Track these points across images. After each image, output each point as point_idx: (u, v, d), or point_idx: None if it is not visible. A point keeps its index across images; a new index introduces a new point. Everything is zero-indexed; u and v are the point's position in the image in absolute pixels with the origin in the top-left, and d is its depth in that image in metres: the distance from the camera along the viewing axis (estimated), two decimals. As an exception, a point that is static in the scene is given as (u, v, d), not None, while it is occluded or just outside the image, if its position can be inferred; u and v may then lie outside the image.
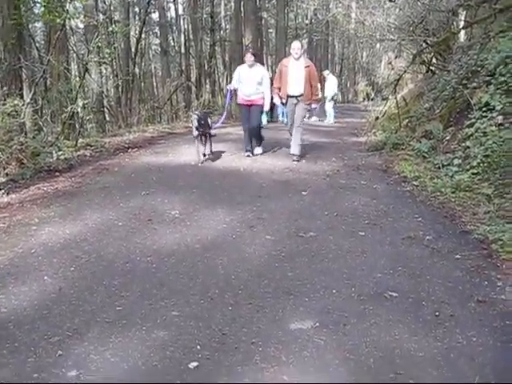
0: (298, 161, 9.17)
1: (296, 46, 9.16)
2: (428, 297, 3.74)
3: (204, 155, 8.99)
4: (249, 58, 9.46)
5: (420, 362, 2.92)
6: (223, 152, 10.05)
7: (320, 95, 11.22)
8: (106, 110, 19.41)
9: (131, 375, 2.81)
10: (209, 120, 9.29)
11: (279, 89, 9.30)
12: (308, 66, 9.10)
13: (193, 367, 2.86)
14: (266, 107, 9.74)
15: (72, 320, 3.41)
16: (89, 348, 3.07)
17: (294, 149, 9.23)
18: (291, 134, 9.41)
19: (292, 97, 9.14)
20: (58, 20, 9.85)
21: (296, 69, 9.02)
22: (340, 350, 3.04)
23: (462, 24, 12.44)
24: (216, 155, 9.55)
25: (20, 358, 2.97)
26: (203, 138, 8.98)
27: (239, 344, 3.10)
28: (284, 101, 9.29)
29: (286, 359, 2.95)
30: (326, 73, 19.87)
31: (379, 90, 30.60)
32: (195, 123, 8.52)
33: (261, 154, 9.89)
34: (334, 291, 3.84)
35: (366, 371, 2.84)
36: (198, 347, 3.06)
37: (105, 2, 22.72)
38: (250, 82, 9.40)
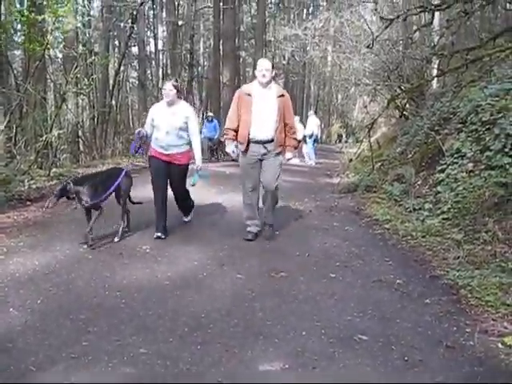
0: (270, 239, 6.49)
1: (264, 64, 6.20)
2: (397, 341, 3.73)
3: (88, 241, 5.79)
4: (168, 91, 6.21)
5: (388, 408, 2.91)
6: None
7: (299, 137, 7.94)
8: (80, 140, 19.33)
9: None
10: (122, 185, 6.25)
11: (235, 131, 6.35)
12: (282, 96, 6.26)
13: (158, 407, 2.81)
14: (199, 164, 6.60)
15: (36, 354, 3.32)
16: (52, 384, 2.99)
17: (268, 218, 6.59)
18: (249, 205, 6.52)
19: (257, 143, 6.21)
20: (38, 49, 9.87)
21: (264, 100, 6.17)
22: (309, 394, 3.01)
23: (435, 72, 12.83)
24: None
25: (-22, 393, 2.88)
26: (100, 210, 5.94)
27: (206, 384, 3.05)
28: (242, 149, 6.29)
29: (254, 401, 2.92)
30: (309, 113, 20.37)
31: (353, 133, 31.15)
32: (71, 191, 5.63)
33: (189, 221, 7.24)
34: (303, 333, 3.81)
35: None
36: (165, 386, 3.01)
37: (85, 34, 22.84)
38: (168, 127, 6.22)
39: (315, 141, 19.12)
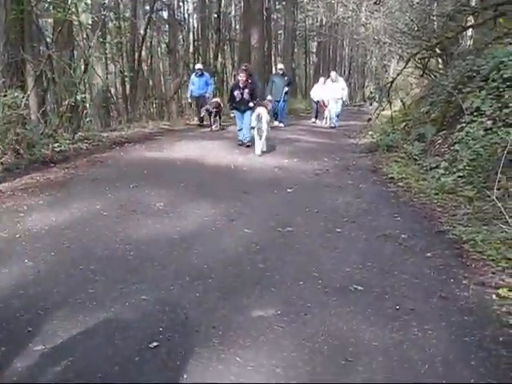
0: None
1: None
2: (392, 291, 3.84)
3: None
4: None
5: (371, 351, 3.03)
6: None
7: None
8: (111, 105, 19.58)
9: (94, 352, 2.94)
10: None
11: None
12: None
13: (153, 346, 2.99)
14: None
15: (45, 300, 3.54)
16: (57, 326, 3.20)
17: None
18: None
19: None
20: (59, 15, 10.02)
21: None
22: (296, 337, 3.15)
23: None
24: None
25: (-10, 333, 3.11)
26: None
27: (200, 328, 3.22)
28: None
29: (243, 343, 3.07)
30: (333, 74, 18.77)
31: (376, 93, 30.52)
32: None
33: None
34: (300, 283, 3.95)
35: (317, 357, 2.96)
36: (161, 329, 3.18)
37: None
38: None
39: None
